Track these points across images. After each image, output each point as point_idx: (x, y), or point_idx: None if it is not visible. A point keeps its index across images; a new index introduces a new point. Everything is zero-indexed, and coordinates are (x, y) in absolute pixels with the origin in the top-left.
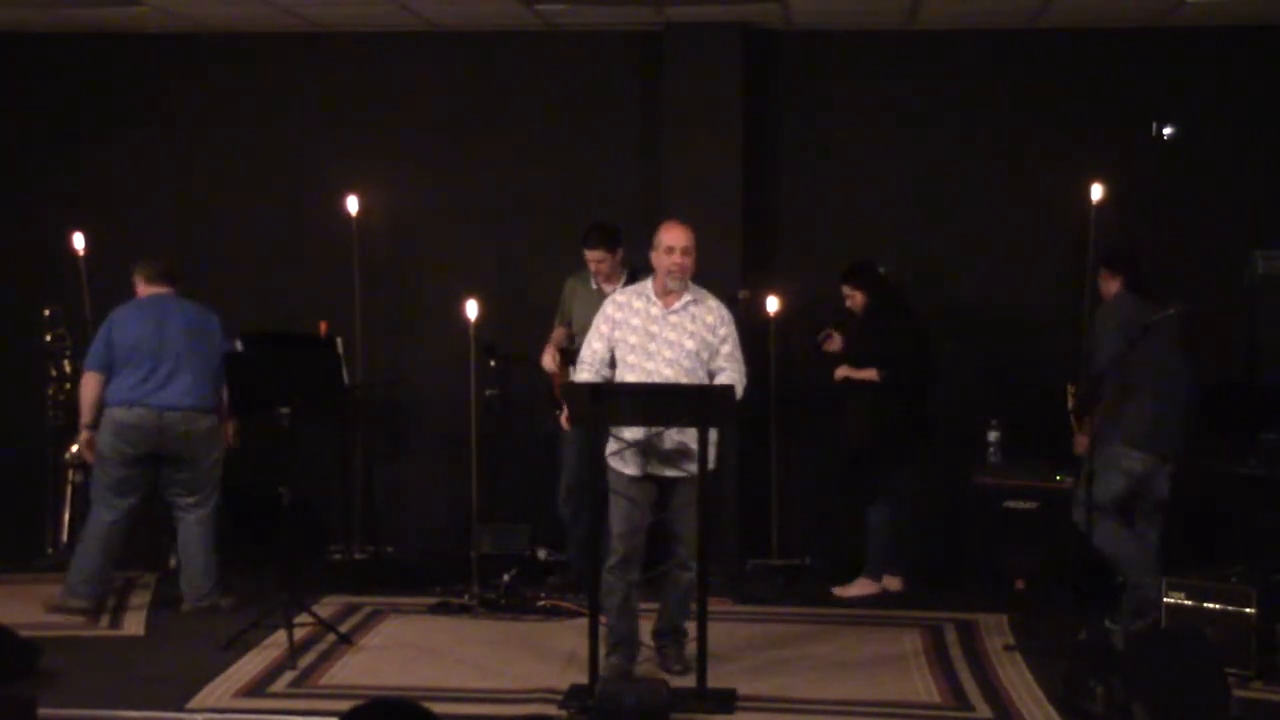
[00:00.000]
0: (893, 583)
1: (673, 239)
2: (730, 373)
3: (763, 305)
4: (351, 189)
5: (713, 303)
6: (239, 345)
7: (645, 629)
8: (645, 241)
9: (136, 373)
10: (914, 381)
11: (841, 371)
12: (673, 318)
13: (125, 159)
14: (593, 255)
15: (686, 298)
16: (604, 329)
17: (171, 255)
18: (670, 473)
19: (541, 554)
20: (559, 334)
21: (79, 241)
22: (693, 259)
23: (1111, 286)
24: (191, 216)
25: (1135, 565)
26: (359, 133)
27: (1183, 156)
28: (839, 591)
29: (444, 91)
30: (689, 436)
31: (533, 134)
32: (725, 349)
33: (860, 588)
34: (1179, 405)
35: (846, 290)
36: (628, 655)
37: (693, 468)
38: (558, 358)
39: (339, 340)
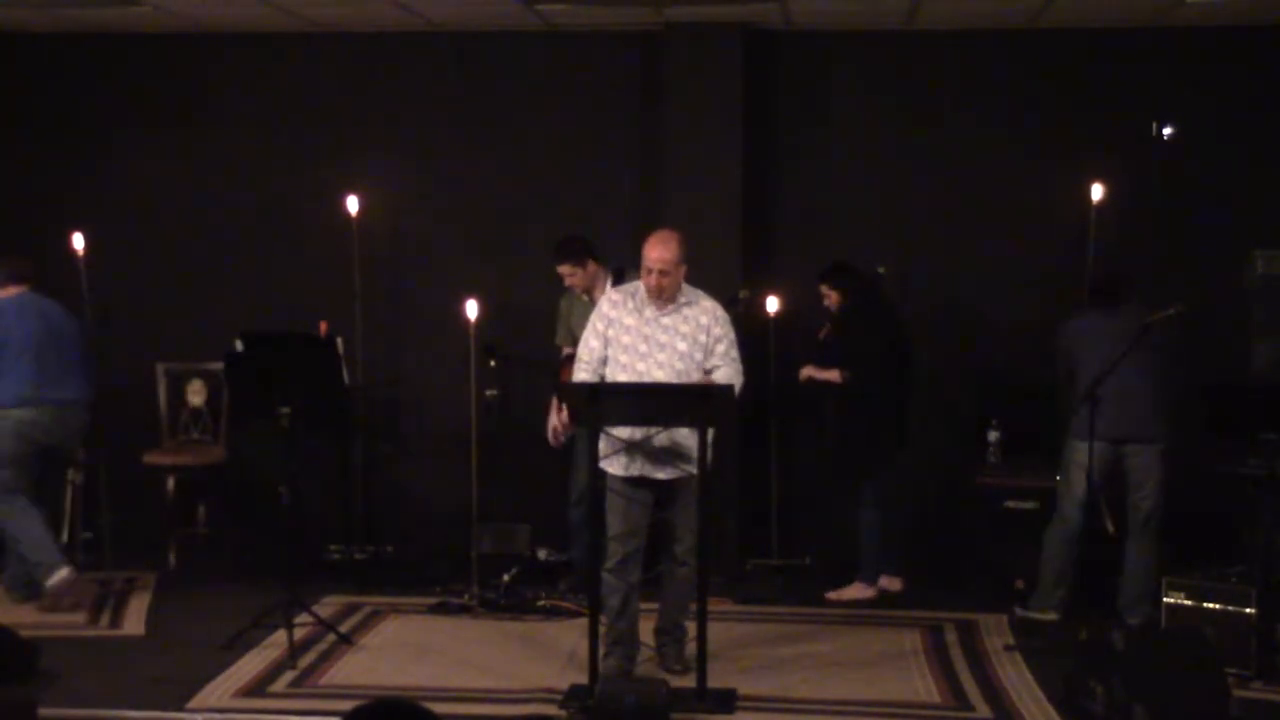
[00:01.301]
0: (893, 583)
1: (653, 259)
2: (726, 371)
3: (763, 305)
4: (351, 189)
5: (707, 304)
6: (239, 345)
7: (645, 628)
8: (644, 242)
9: (31, 372)
10: (879, 385)
11: (806, 371)
12: (665, 320)
13: (125, 159)
14: (561, 269)
15: (680, 300)
16: (600, 326)
17: (27, 255)
18: (662, 475)
19: (541, 554)
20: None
21: (79, 241)
22: (674, 277)
23: None
24: (191, 216)
25: (1048, 563)
26: (359, 133)
27: (1183, 156)
28: (833, 595)
29: (444, 91)
30: (681, 437)
31: (533, 134)
32: (720, 349)
33: (855, 591)
34: (1126, 393)
35: (823, 290)
36: (627, 655)
37: (688, 468)
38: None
39: (339, 340)
